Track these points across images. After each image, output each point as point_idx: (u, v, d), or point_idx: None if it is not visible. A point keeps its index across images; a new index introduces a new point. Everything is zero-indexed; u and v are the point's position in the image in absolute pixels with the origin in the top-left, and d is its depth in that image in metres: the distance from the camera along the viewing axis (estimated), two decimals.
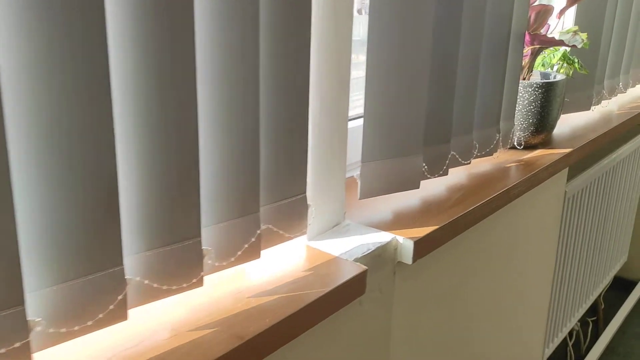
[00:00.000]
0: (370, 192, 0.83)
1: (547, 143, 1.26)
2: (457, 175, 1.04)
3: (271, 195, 0.65)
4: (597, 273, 1.90)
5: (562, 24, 1.73)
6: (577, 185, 1.47)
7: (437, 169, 0.92)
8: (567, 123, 1.49)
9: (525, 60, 1.17)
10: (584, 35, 1.17)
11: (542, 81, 1.13)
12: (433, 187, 0.98)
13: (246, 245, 0.62)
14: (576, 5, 1.32)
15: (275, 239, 0.66)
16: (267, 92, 0.61)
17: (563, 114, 1.42)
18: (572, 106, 1.42)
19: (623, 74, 1.72)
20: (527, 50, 1.16)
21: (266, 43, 0.60)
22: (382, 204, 0.90)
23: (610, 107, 1.72)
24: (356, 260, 0.70)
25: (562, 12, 1.10)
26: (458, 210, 0.88)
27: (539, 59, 1.29)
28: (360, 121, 1.01)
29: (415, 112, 0.83)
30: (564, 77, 1.20)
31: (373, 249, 0.73)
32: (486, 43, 0.97)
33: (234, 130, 0.58)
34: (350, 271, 0.67)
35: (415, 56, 0.81)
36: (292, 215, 0.67)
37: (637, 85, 1.96)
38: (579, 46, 1.03)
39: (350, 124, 1.00)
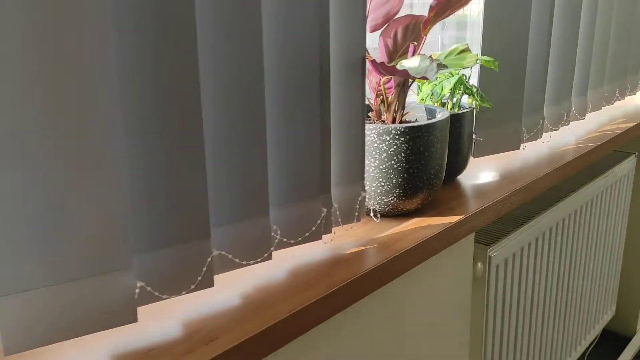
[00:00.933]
0: (28, 342, 0.50)
1: (434, 205, 0.91)
2: (273, 271, 0.71)
3: None
4: (572, 334, 1.54)
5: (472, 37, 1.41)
6: (511, 246, 1.12)
7: (182, 284, 0.58)
8: (500, 165, 1.14)
9: (392, 95, 0.84)
10: (472, 57, 0.83)
11: (405, 125, 0.78)
12: (224, 292, 0.65)
13: None
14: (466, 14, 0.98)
15: None
16: None
17: (479, 156, 1.07)
18: (489, 147, 1.08)
19: (577, 97, 1.36)
20: (388, 81, 0.83)
21: None
22: (104, 340, 0.57)
23: (565, 139, 1.37)
24: None
25: (425, 26, 0.77)
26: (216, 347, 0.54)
27: (426, 89, 0.95)
28: None
29: (107, 197, 0.50)
30: (449, 114, 0.86)
31: None
32: (274, 83, 0.64)
33: None
34: None
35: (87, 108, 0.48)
36: None
37: (603, 108, 1.59)
38: (432, 78, 0.70)
39: None
